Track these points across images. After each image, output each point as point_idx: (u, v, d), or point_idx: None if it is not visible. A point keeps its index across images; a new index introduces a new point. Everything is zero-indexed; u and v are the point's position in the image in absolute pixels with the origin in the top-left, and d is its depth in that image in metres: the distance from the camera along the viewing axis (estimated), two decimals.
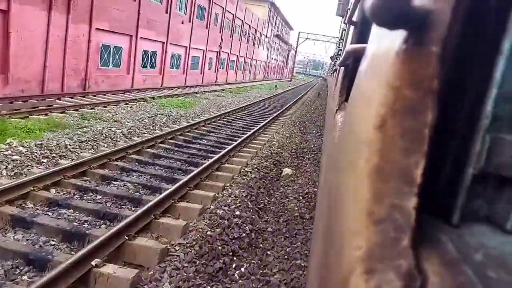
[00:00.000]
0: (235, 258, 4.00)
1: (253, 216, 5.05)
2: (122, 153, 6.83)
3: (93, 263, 3.35)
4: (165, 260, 3.73)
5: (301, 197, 6.12)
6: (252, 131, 10.53)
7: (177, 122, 10.91)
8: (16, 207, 4.40)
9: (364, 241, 0.44)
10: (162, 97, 16.09)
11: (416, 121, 0.43)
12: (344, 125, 1.23)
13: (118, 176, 5.87)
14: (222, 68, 34.29)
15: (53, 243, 3.86)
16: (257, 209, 5.42)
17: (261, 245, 4.45)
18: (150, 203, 4.53)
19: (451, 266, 0.40)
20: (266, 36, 52.83)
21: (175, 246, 3.96)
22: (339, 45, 8.55)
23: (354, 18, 3.00)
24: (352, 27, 3.43)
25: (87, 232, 3.97)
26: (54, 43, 12.92)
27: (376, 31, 0.77)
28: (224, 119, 12.58)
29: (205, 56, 28.55)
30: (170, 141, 8.65)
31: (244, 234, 4.44)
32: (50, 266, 3.35)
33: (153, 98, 15.32)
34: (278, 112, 15.47)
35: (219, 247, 4.06)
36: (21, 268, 3.38)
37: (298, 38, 57.43)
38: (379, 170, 0.46)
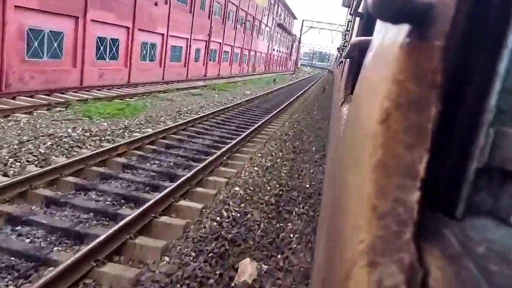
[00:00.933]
0: None
1: None
2: None
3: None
4: None
5: None
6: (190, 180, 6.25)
7: (68, 151, 6.36)
8: None
9: (367, 235, 0.45)
10: (102, 100, 11.83)
11: (420, 115, 0.44)
12: (349, 118, 1.29)
13: None
14: (213, 60, 30.04)
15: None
16: None
17: None
18: None
19: (453, 260, 0.40)
20: (267, 25, 48.28)
21: None
22: (345, 36, 8.03)
23: (360, 9, 3.00)
24: (358, 19, 3.44)
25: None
26: None
27: (380, 23, 0.78)
28: (157, 146, 7.46)
29: (190, 46, 24.32)
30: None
31: None
32: None
33: (86, 101, 11.09)
34: (263, 121, 11.15)
35: None
36: None
37: (302, 26, 52.51)
38: (383, 165, 0.46)
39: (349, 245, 0.50)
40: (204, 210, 4.80)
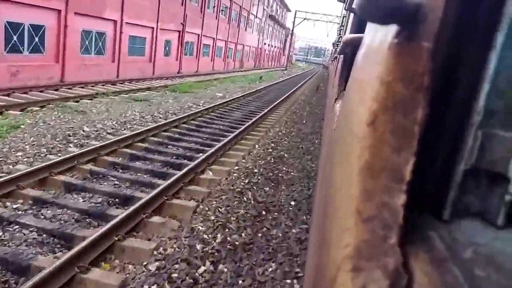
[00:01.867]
0: None
1: None
2: None
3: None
4: None
5: None
6: None
7: None
8: None
9: (352, 238, 0.44)
10: None
11: (406, 118, 0.43)
12: (340, 116, 1.26)
13: None
14: (190, 55, 25.92)
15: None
16: None
17: None
18: None
19: (439, 264, 0.40)
20: (256, 17, 44.05)
21: None
22: (340, 32, 7.89)
23: (354, 5, 2.90)
24: (352, 15, 3.39)
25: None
26: None
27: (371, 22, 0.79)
28: None
29: (156, 38, 20.18)
30: None
31: None
32: None
33: None
34: (214, 150, 7.11)
35: None
36: None
37: (294, 17, 48.16)
38: (369, 167, 0.46)
39: (335, 248, 0.50)
40: None
